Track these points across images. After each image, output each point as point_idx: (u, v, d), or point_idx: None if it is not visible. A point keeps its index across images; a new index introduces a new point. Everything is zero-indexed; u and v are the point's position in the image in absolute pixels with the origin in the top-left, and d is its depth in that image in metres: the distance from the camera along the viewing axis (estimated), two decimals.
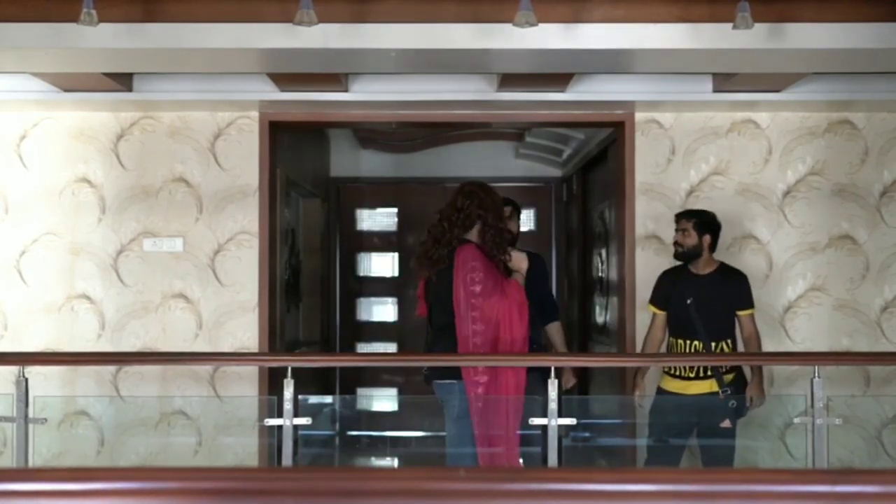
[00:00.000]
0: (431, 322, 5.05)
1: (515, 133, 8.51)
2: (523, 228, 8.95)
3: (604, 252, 7.27)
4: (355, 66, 5.20)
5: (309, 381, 7.06)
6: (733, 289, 5.19)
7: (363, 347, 9.05)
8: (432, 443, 5.87)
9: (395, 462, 6.26)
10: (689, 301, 5.12)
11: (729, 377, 5.08)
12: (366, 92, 5.69)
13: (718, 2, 4.24)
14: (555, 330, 5.45)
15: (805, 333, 5.95)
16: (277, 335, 6.30)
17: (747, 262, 5.84)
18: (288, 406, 4.66)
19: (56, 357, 5.79)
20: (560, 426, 4.70)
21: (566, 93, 5.63)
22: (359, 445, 6.52)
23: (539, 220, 9.06)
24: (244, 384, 5.92)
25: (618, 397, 5.97)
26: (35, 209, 6.00)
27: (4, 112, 5.96)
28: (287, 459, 4.68)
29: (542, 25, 4.05)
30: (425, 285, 5.02)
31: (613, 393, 6.26)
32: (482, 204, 4.81)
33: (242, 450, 5.76)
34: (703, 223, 5.18)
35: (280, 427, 4.72)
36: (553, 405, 4.65)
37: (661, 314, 5.29)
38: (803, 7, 4.31)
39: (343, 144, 8.84)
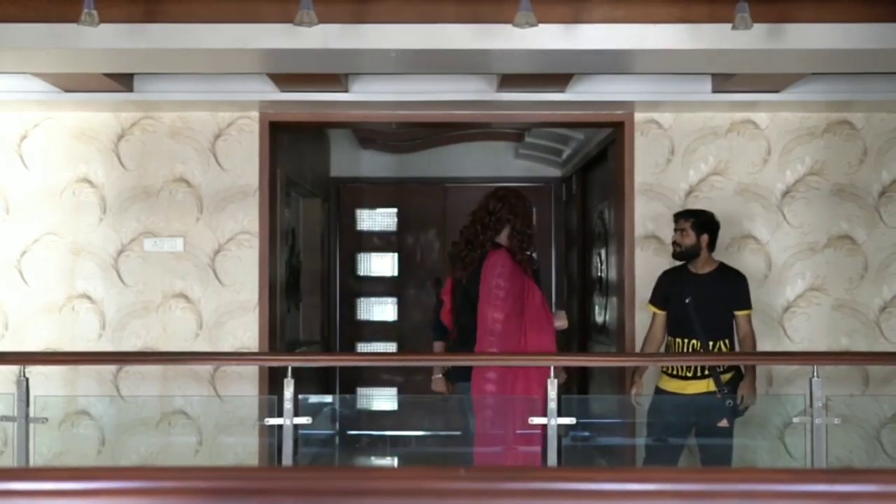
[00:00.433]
0: (458, 322, 5.14)
1: (515, 133, 8.51)
2: None
3: (603, 252, 7.27)
4: (355, 66, 5.21)
5: (309, 380, 7.06)
6: (732, 289, 5.19)
7: (363, 347, 9.05)
8: (432, 442, 5.88)
9: (395, 462, 6.26)
10: (687, 300, 5.13)
11: (727, 377, 5.08)
12: (366, 92, 5.70)
13: (718, 2, 4.24)
14: None
15: (804, 333, 5.96)
16: (278, 335, 6.31)
17: (746, 262, 5.85)
18: (288, 405, 4.67)
19: (57, 357, 5.79)
20: (559, 426, 4.70)
21: (566, 93, 5.63)
22: (359, 445, 6.52)
23: (539, 220, 9.03)
24: (244, 384, 5.92)
25: (617, 397, 5.98)
26: (36, 209, 6.00)
27: (5, 112, 5.96)
28: (287, 459, 4.68)
29: (541, 26, 4.05)
30: (453, 285, 5.13)
31: (613, 393, 6.27)
32: (513, 209, 5.02)
33: (243, 449, 5.77)
34: (700, 223, 5.19)
35: (280, 427, 4.73)
36: (553, 405, 4.66)
37: (661, 314, 5.30)
38: (802, 7, 4.31)
39: (343, 144, 8.84)
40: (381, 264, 9.14)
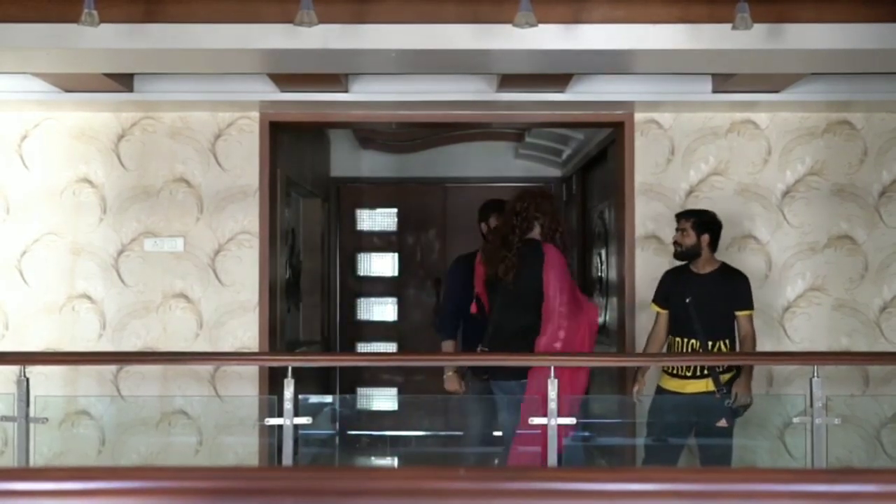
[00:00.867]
0: (495, 320, 5.21)
1: (515, 133, 8.51)
2: None
3: (603, 252, 7.27)
4: (355, 66, 5.21)
5: (309, 380, 7.06)
6: (733, 289, 5.19)
7: (363, 347, 9.06)
8: (432, 442, 5.88)
9: (395, 462, 6.27)
10: (687, 300, 5.13)
11: (726, 377, 5.07)
12: (366, 92, 5.70)
13: (718, 2, 4.24)
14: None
15: (804, 333, 5.96)
16: (278, 335, 6.31)
17: (746, 262, 5.85)
18: (288, 406, 4.67)
19: (57, 357, 5.80)
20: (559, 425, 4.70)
21: (566, 93, 5.63)
22: (359, 445, 6.53)
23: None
24: (244, 384, 5.93)
25: (617, 397, 5.98)
26: (36, 209, 6.00)
27: (5, 112, 5.96)
28: (287, 459, 4.69)
29: (541, 26, 4.05)
30: (486, 285, 5.24)
31: (613, 393, 6.26)
32: (539, 207, 5.17)
33: (243, 449, 5.77)
34: (701, 223, 5.19)
35: (280, 427, 4.73)
36: (553, 405, 4.66)
37: (664, 313, 5.31)
38: (802, 7, 4.31)
39: (343, 144, 8.84)
40: (381, 264, 9.14)
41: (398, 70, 5.42)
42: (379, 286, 9.15)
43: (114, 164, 6.02)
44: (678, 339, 5.19)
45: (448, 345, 5.56)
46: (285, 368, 4.80)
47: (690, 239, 5.17)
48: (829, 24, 4.33)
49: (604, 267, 7.27)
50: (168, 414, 5.91)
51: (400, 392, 8.57)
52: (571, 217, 8.52)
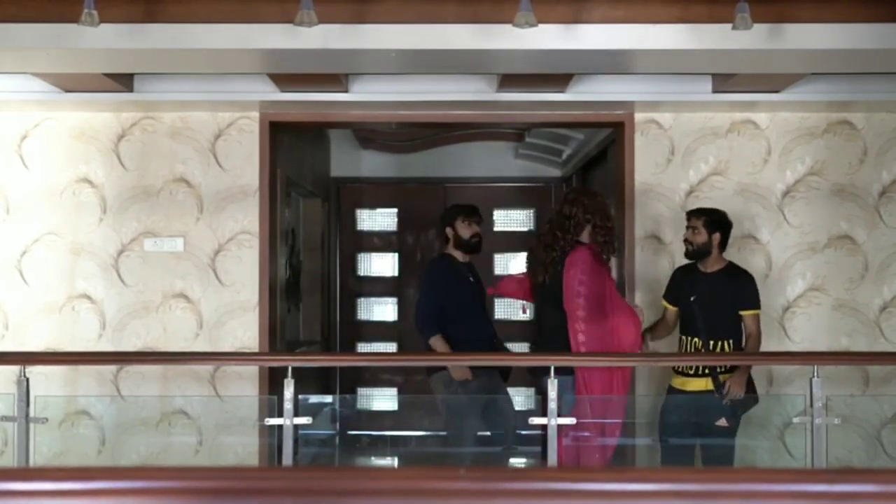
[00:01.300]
0: (540, 323, 5.38)
1: (515, 133, 8.51)
2: (523, 228, 9.04)
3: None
4: (355, 66, 5.21)
5: (309, 380, 7.06)
6: (738, 288, 5.19)
7: (363, 347, 9.05)
8: (432, 442, 5.88)
9: (395, 462, 6.27)
10: (692, 298, 5.15)
11: (725, 376, 5.07)
12: (366, 92, 5.70)
13: (718, 2, 4.24)
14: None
15: (804, 333, 5.96)
16: (278, 335, 6.31)
17: (747, 262, 5.84)
18: (288, 406, 4.67)
19: (57, 357, 5.80)
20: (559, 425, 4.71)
21: (566, 93, 5.63)
22: (359, 445, 6.53)
23: (539, 220, 9.05)
24: (244, 384, 5.93)
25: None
26: (36, 209, 6.00)
27: (5, 112, 5.96)
28: (287, 459, 4.69)
29: (541, 26, 4.05)
30: (532, 287, 5.35)
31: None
32: (587, 208, 5.19)
33: (243, 449, 5.77)
34: (713, 221, 5.21)
35: (280, 427, 4.73)
36: (553, 405, 4.66)
37: (673, 310, 5.33)
38: (802, 7, 4.31)
39: (343, 144, 8.84)
40: (381, 264, 9.13)
41: (398, 70, 5.42)
42: (379, 286, 9.15)
43: (114, 164, 6.02)
44: (684, 337, 5.22)
45: (437, 340, 5.55)
46: (285, 368, 4.80)
47: (702, 237, 5.19)
48: (829, 24, 4.33)
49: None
50: (168, 414, 5.91)
51: (400, 392, 8.56)
52: None
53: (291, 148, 7.02)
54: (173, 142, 6.02)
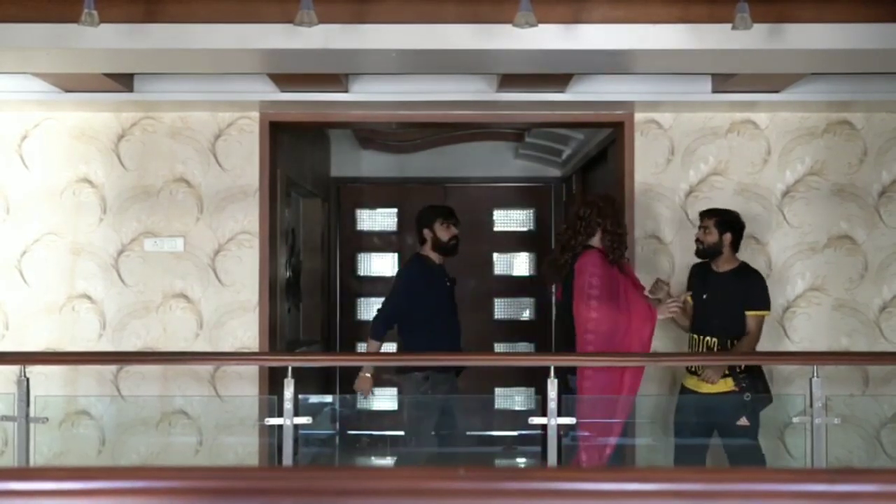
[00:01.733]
0: (563, 324, 5.35)
1: (515, 133, 8.51)
2: (522, 228, 9.04)
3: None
4: (356, 66, 5.21)
5: (309, 380, 7.06)
6: (746, 289, 5.20)
7: (363, 347, 9.04)
8: (432, 442, 5.87)
9: (395, 462, 6.26)
10: (704, 297, 5.17)
11: (742, 373, 5.07)
12: (366, 92, 5.70)
13: (718, 2, 4.24)
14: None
15: (804, 333, 5.96)
16: (278, 335, 6.31)
17: (747, 261, 5.84)
18: (288, 405, 4.67)
19: (57, 357, 5.80)
20: (559, 425, 4.71)
21: (566, 93, 5.63)
22: (359, 445, 6.53)
23: (539, 220, 9.07)
24: (244, 384, 5.93)
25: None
26: (36, 209, 6.01)
27: (5, 112, 5.97)
28: (287, 459, 4.69)
29: (541, 26, 4.05)
30: (562, 290, 5.32)
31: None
32: (601, 212, 5.17)
33: (243, 449, 5.77)
34: (724, 222, 5.23)
35: (280, 426, 4.73)
36: (553, 405, 4.66)
37: (690, 301, 5.38)
38: (802, 7, 4.32)
39: (343, 144, 8.84)
40: (381, 264, 9.13)
41: (398, 70, 5.42)
42: (379, 286, 9.13)
43: (114, 164, 6.02)
44: (695, 336, 5.22)
45: (375, 346, 5.65)
46: (285, 368, 4.80)
47: (712, 237, 5.21)
48: (829, 24, 4.33)
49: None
50: (168, 414, 5.91)
51: (400, 392, 8.55)
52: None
53: (291, 148, 7.02)
54: (173, 142, 6.02)
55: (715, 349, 5.14)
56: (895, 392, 6.03)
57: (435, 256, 5.76)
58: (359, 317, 9.12)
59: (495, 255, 9.02)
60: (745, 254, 5.92)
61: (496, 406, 8.18)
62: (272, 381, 5.67)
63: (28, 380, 4.76)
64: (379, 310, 5.77)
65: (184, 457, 5.86)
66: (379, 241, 9.12)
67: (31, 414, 4.75)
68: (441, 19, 4.34)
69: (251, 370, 5.93)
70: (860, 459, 5.72)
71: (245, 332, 6.00)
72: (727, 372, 5.09)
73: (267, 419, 4.88)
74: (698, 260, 5.40)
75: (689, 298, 5.38)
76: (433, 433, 5.59)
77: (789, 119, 6.00)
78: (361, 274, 9.10)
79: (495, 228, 9.03)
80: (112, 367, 5.95)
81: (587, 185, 8.09)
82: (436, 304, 5.67)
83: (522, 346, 8.89)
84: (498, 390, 8.30)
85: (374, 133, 8.56)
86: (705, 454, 5.24)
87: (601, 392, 5.04)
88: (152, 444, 5.85)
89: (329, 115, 6.11)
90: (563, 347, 5.31)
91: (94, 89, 5.55)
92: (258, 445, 5.49)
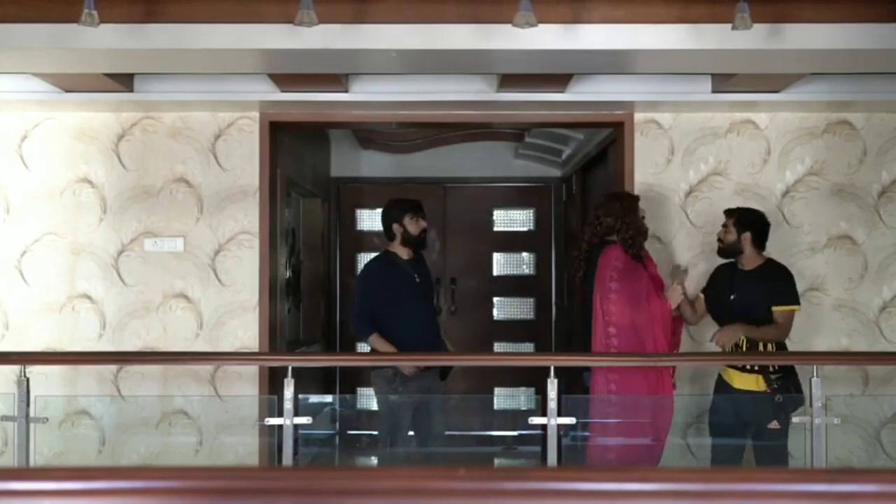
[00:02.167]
0: (579, 321, 5.46)
1: (515, 133, 8.51)
2: (522, 228, 9.04)
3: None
4: (356, 66, 5.21)
5: (309, 380, 7.06)
6: (772, 285, 5.17)
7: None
8: (431, 442, 5.87)
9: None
10: (732, 297, 5.16)
11: (777, 375, 5.03)
12: (366, 92, 5.70)
13: (718, 2, 4.24)
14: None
15: (804, 333, 5.96)
16: (278, 335, 6.31)
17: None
18: (288, 405, 4.67)
19: (57, 357, 5.80)
20: (559, 425, 4.71)
21: (566, 93, 5.63)
22: (359, 445, 6.52)
23: (539, 220, 9.07)
24: (245, 384, 5.93)
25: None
26: (36, 209, 6.01)
27: (6, 112, 5.97)
28: (287, 459, 4.69)
29: (541, 26, 4.05)
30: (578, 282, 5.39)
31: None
32: (608, 210, 5.23)
33: (243, 449, 5.77)
34: (742, 221, 5.20)
35: (280, 426, 4.73)
36: (553, 405, 4.66)
37: (701, 297, 5.39)
38: (802, 8, 4.32)
39: (343, 144, 8.84)
40: None
41: (398, 70, 5.42)
42: None
43: (114, 164, 6.02)
44: None
45: (376, 339, 5.44)
46: (285, 368, 4.80)
47: (731, 236, 5.20)
48: (829, 24, 4.33)
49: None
50: (168, 414, 5.91)
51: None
52: (571, 217, 8.53)
53: (291, 148, 7.02)
54: (173, 142, 6.02)
55: (744, 348, 5.12)
56: (895, 392, 6.03)
57: (405, 252, 5.58)
58: None
59: (495, 255, 9.01)
60: None
61: (496, 406, 8.19)
62: (272, 381, 5.67)
63: (28, 380, 4.76)
64: (351, 317, 5.73)
65: (184, 457, 5.86)
66: (379, 241, 9.07)
67: (31, 414, 4.76)
68: (441, 19, 4.34)
69: (251, 370, 5.93)
70: (860, 459, 5.72)
71: (245, 332, 6.00)
72: (757, 368, 5.06)
73: (267, 419, 4.88)
74: (724, 260, 5.35)
75: (701, 295, 5.37)
76: (410, 433, 5.54)
77: (789, 119, 6.00)
78: None
79: (495, 228, 9.03)
80: (112, 367, 5.95)
81: (587, 185, 8.09)
82: (401, 301, 5.49)
83: (522, 346, 8.89)
84: (498, 390, 8.31)
85: (374, 133, 8.56)
86: (742, 455, 5.22)
87: (621, 391, 5.05)
88: (152, 444, 5.85)
89: (329, 115, 6.10)
90: (580, 342, 5.30)
91: (94, 89, 5.55)
92: (258, 445, 5.48)
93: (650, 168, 6.01)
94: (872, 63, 4.83)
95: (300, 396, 4.76)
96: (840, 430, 5.16)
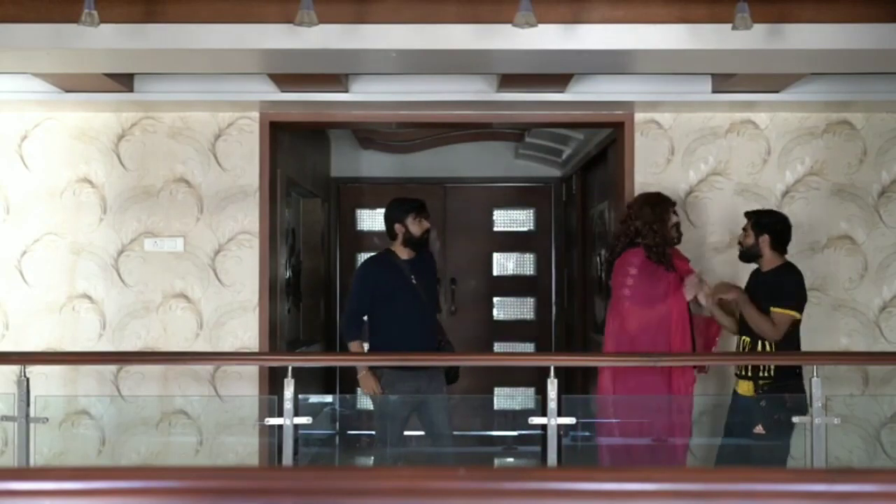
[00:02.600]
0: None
1: (515, 133, 8.51)
2: (523, 228, 9.04)
3: (603, 252, 7.27)
4: (356, 66, 5.21)
5: (309, 380, 7.06)
6: (776, 286, 5.09)
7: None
8: (431, 442, 5.87)
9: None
10: None
11: (765, 381, 4.99)
12: (366, 92, 5.70)
13: (718, 2, 4.24)
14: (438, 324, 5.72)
15: (803, 333, 5.94)
16: (278, 335, 6.31)
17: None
18: (288, 405, 4.67)
19: (57, 357, 5.80)
20: (559, 425, 4.71)
21: (566, 93, 5.63)
22: (359, 445, 6.52)
23: (539, 220, 9.07)
24: (245, 384, 5.93)
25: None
26: (36, 209, 6.01)
27: (6, 112, 5.97)
28: (287, 459, 4.69)
29: (541, 26, 4.05)
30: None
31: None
32: (640, 215, 5.23)
33: (243, 449, 5.77)
34: (759, 223, 5.14)
35: (280, 426, 4.73)
36: (553, 405, 4.66)
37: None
38: (802, 8, 4.32)
39: (343, 144, 8.84)
40: None
41: (398, 70, 5.42)
42: None
43: (114, 164, 6.02)
44: (741, 337, 5.19)
45: (355, 345, 5.49)
46: (285, 368, 4.80)
47: (749, 239, 5.15)
48: (829, 24, 4.33)
49: (603, 267, 7.26)
50: (168, 414, 5.92)
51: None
52: (571, 217, 8.53)
53: (291, 148, 7.02)
54: (173, 142, 6.03)
55: (746, 349, 5.10)
56: (895, 392, 6.03)
57: (405, 252, 5.51)
58: None
59: (495, 255, 9.02)
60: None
61: (496, 406, 8.19)
62: (272, 381, 5.67)
63: (28, 380, 4.76)
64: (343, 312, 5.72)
65: (184, 457, 5.86)
66: (379, 241, 9.09)
67: (31, 414, 4.75)
68: (441, 19, 4.34)
69: (251, 370, 5.93)
70: (860, 459, 5.72)
71: (245, 332, 6.00)
72: (748, 374, 5.04)
73: (267, 419, 4.88)
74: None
75: (725, 297, 5.25)
76: (407, 434, 5.53)
77: (789, 119, 6.00)
78: None
79: (495, 228, 9.03)
80: (112, 367, 5.95)
81: (587, 185, 8.10)
82: (394, 302, 5.45)
83: (522, 346, 8.89)
84: (498, 390, 8.31)
85: (374, 133, 8.56)
86: (748, 454, 5.20)
87: (630, 392, 5.06)
88: (152, 444, 5.85)
89: (329, 115, 6.11)
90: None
91: (94, 89, 5.55)
92: (258, 445, 5.49)
93: (650, 168, 6.01)
94: (872, 63, 4.83)
95: (300, 396, 4.77)
96: (840, 430, 5.16)
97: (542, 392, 4.94)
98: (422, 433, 5.60)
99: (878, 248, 6.00)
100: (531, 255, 9.05)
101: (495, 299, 8.99)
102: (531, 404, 7.84)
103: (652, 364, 5.30)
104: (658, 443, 5.24)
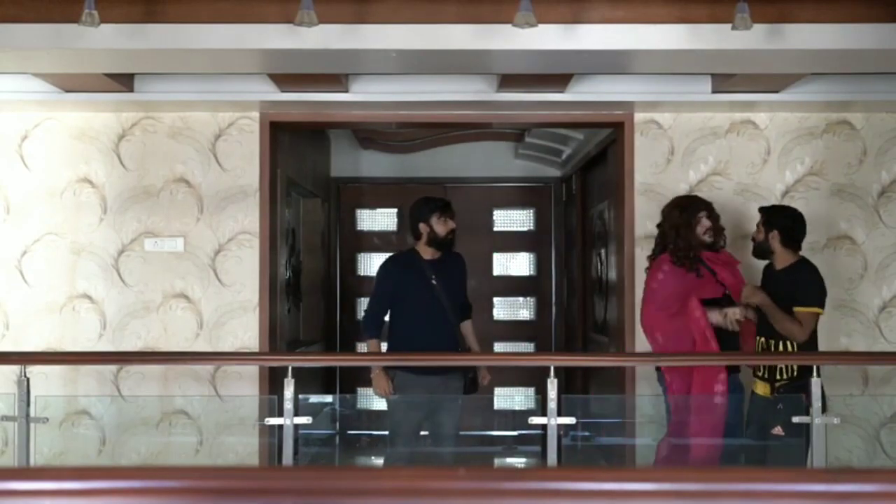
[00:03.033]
0: None
1: (515, 133, 8.52)
2: (522, 228, 9.04)
3: (603, 252, 7.28)
4: (356, 66, 5.21)
5: (309, 380, 7.07)
6: (795, 285, 5.00)
7: (363, 347, 9.04)
8: (432, 442, 5.87)
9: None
10: None
11: (782, 382, 4.95)
12: (366, 92, 5.70)
13: (717, 2, 4.24)
14: (468, 328, 5.66)
15: None
16: (278, 335, 6.31)
17: (746, 262, 5.84)
18: (288, 405, 4.67)
19: (57, 356, 5.80)
20: (559, 425, 4.71)
21: (566, 93, 5.63)
22: (359, 445, 6.53)
23: (539, 220, 9.07)
24: (245, 383, 5.93)
25: (617, 397, 5.98)
26: (36, 209, 6.01)
27: (6, 112, 5.97)
28: (287, 459, 4.69)
29: (541, 26, 4.05)
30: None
31: (613, 392, 6.27)
32: (668, 218, 5.24)
33: (243, 449, 5.77)
34: (769, 220, 5.08)
35: (280, 426, 4.73)
36: (553, 405, 4.66)
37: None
38: (802, 8, 4.32)
39: (343, 144, 8.85)
40: None
41: (398, 70, 5.42)
42: None
43: (114, 164, 6.02)
44: (758, 337, 5.13)
45: (373, 344, 5.51)
46: (285, 368, 4.80)
47: (760, 236, 5.09)
48: (828, 24, 4.33)
49: (603, 267, 7.27)
50: (168, 414, 5.92)
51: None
52: (571, 217, 8.53)
53: (291, 148, 7.02)
54: (173, 142, 6.03)
55: (767, 349, 5.04)
56: (895, 392, 6.03)
57: (428, 252, 5.47)
58: (359, 317, 9.12)
59: (495, 255, 9.02)
60: (746, 254, 5.92)
61: (496, 406, 8.19)
62: (272, 381, 5.67)
63: (28, 380, 4.76)
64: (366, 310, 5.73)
65: (184, 457, 5.86)
66: (379, 241, 9.12)
67: (32, 414, 4.75)
68: (441, 19, 4.34)
69: (251, 370, 5.93)
70: (860, 459, 5.72)
71: (245, 332, 6.00)
72: (765, 375, 5.02)
73: (267, 419, 4.88)
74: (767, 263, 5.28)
75: (752, 301, 5.13)
76: (423, 434, 5.53)
77: (789, 119, 6.00)
78: (361, 274, 9.10)
79: (495, 228, 9.03)
80: (112, 367, 5.96)
81: (587, 185, 8.10)
82: (413, 302, 5.43)
83: (522, 346, 8.90)
84: (498, 390, 8.31)
85: (374, 133, 8.56)
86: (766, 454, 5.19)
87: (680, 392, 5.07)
88: (152, 444, 5.85)
89: (329, 115, 6.11)
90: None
91: (94, 89, 5.55)
92: (258, 445, 5.49)
93: (650, 168, 6.01)
94: (872, 63, 4.83)
95: (300, 396, 4.77)
96: (840, 430, 5.16)
97: (542, 392, 4.94)
98: (426, 433, 5.60)
99: (878, 248, 6.00)
100: (531, 256, 9.05)
101: (495, 299, 8.99)
102: (531, 404, 7.84)
103: (653, 363, 5.31)
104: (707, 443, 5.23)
